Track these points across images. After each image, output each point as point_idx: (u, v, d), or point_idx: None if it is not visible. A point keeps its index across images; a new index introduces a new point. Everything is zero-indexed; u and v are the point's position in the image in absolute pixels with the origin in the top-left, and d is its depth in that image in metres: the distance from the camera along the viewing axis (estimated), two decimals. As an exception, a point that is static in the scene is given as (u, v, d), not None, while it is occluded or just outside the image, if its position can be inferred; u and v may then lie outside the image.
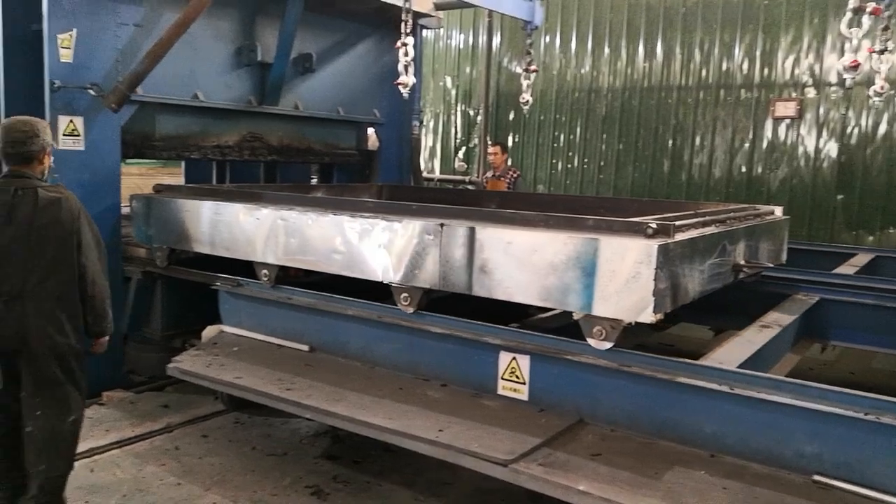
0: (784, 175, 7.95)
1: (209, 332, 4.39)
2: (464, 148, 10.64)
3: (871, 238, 7.51)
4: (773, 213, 4.49)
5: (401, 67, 5.15)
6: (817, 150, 7.76)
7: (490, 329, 3.33)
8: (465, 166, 10.55)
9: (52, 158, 3.50)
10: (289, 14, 5.53)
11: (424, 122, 10.51)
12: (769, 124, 8.01)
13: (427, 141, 10.82)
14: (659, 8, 8.65)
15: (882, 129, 7.41)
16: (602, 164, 9.24)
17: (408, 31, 5.08)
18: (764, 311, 3.90)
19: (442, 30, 10.09)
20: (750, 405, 2.67)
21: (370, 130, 7.03)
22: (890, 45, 5.07)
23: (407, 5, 5.10)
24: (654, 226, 2.88)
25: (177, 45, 4.74)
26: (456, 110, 10.69)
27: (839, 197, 7.67)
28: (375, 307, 3.71)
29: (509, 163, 8.22)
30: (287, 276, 4.39)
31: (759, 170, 8.11)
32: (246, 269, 4.32)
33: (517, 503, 3.60)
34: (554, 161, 9.65)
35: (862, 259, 5.26)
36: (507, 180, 7.69)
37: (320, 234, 3.83)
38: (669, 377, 2.84)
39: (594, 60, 9.22)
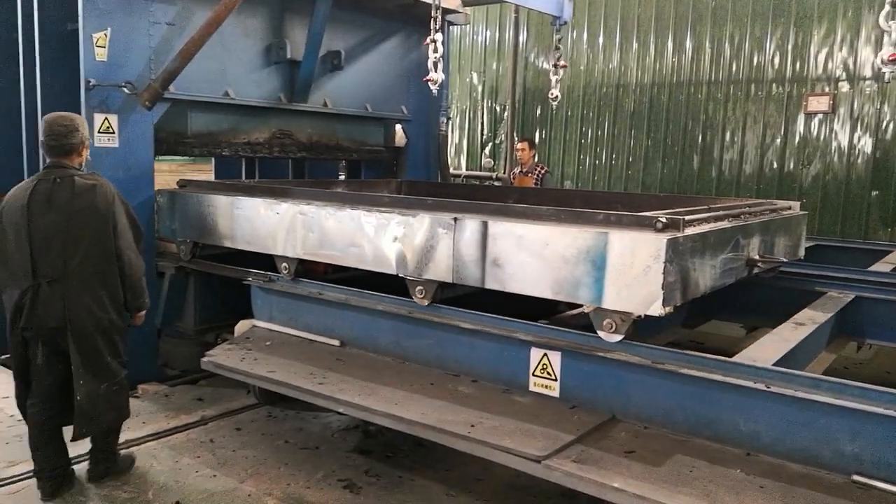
0: (817, 171, 7.83)
1: (241, 326, 4.46)
2: (490, 144, 10.62)
3: (906, 235, 7.38)
4: (789, 208, 4.43)
5: (430, 64, 5.18)
6: (851, 146, 7.63)
7: (521, 325, 3.33)
8: (492, 163, 10.53)
9: (88, 151, 3.67)
10: (318, 11, 5.56)
11: (451, 119, 10.51)
12: (801, 119, 7.89)
13: (453, 137, 10.83)
14: (688, 1, 8.56)
15: (918, 123, 7.28)
16: (630, 159, 9.17)
17: (437, 27, 5.09)
18: (797, 308, 3.85)
19: (468, 26, 10.08)
20: (787, 403, 2.64)
21: (398, 127, 7.05)
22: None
23: (436, 2, 5.12)
24: (663, 220, 2.90)
25: (208, 43, 4.81)
26: (482, 106, 10.68)
27: (874, 193, 7.54)
28: (406, 303, 3.72)
29: (536, 159, 8.19)
30: (315, 272, 4.44)
31: (791, 166, 7.99)
32: (269, 264, 4.37)
33: (549, 500, 3.60)
34: (582, 157, 9.60)
35: (898, 256, 5.17)
36: (535, 176, 7.65)
37: (338, 229, 3.89)
38: (704, 374, 2.82)
39: (622, 55, 9.15)
